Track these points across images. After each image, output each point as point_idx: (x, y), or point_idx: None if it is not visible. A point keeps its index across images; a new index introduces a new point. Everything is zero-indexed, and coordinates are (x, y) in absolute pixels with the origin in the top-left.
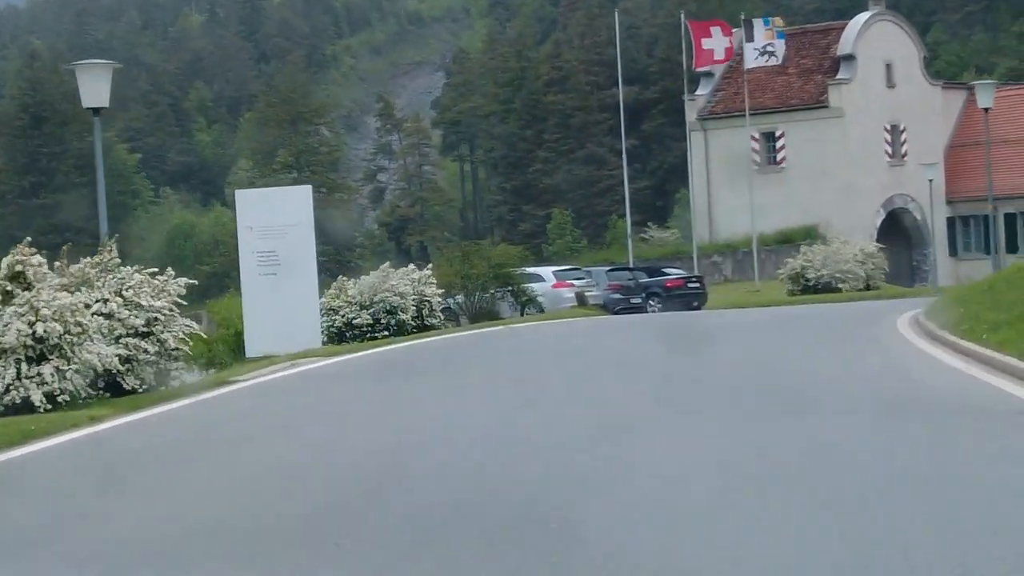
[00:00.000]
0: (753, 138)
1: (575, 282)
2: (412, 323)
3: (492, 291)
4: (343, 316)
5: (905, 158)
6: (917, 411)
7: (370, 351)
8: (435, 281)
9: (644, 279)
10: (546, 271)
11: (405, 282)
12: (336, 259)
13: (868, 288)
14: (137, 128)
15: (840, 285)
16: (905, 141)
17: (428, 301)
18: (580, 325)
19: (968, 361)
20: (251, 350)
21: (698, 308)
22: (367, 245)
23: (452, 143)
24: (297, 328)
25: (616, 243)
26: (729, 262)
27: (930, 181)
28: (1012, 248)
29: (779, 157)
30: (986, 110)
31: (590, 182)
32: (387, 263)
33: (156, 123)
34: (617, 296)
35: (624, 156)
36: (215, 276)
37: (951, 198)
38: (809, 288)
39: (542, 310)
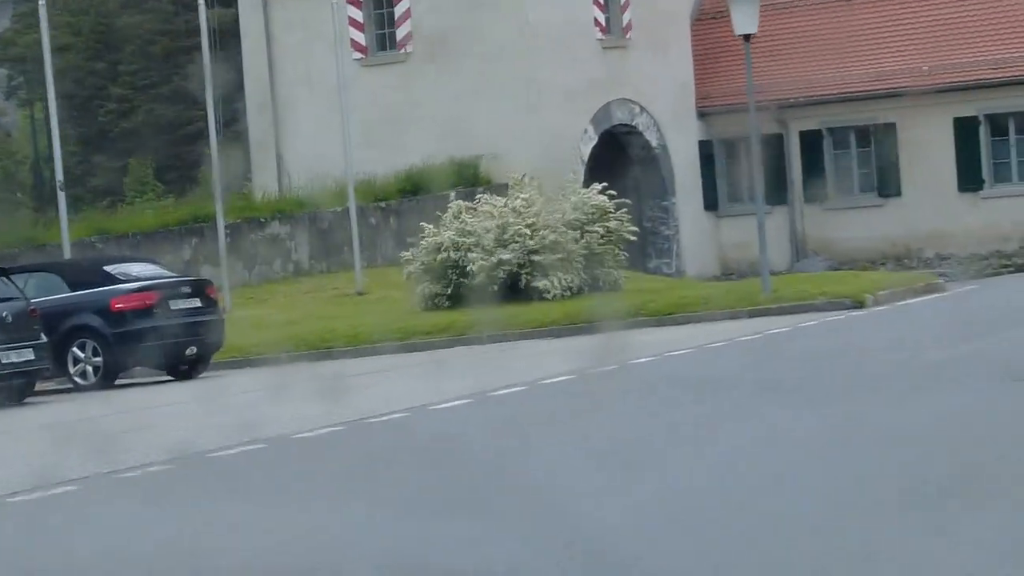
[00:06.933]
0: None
1: None
2: None
3: None
4: None
5: (628, 35)
6: None
7: None
8: None
9: (61, 296)
10: None
11: None
12: None
13: (599, 286)
14: None
15: (541, 283)
16: (627, 5)
17: None
18: None
19: None
20: None
21: (197, 363)
22: None
23: (21, 85)
24: None
25: (207, 200)
26: (305, 235)
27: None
28: (815, 194)
29: (399, 36)
30: None
31: (176, 124)
32: None
33: None
34: None
35: None
36: None
37: (704, 107)
38: (468, 291)
39: None
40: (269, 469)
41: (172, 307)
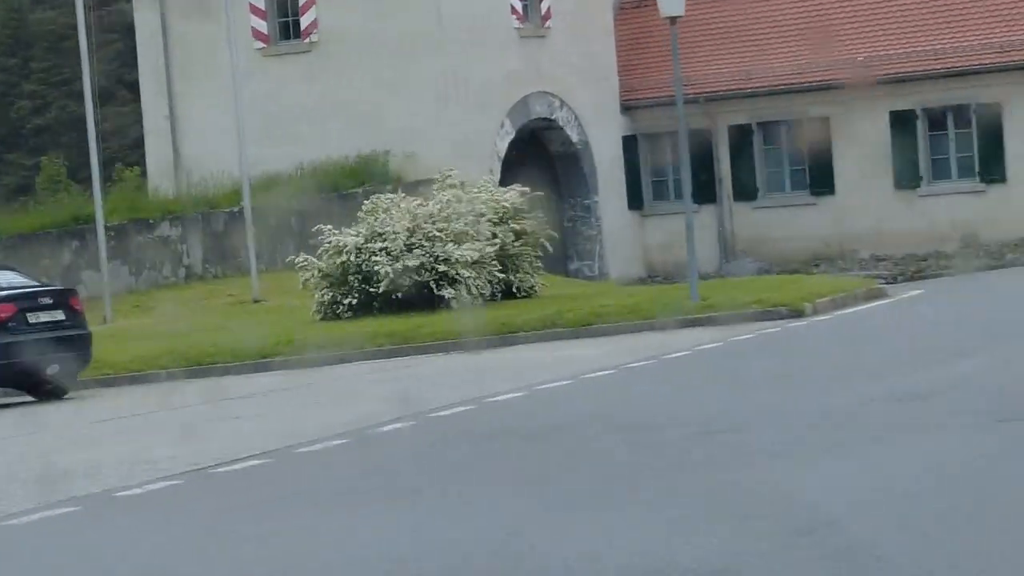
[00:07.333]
0: None
1: None
2: None
3: None
4: None
5: (547, 24)
6: None
7: None
8: None
9: None
10: None
11: None
12: None
13: (513, 292)
14: None
15: (447, 291)
16: None
17: None
18: None
19: None
20: None
21: (61, 383)
22: None
23: None
24: None
25: (127, 201)
26: (198, 237)
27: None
28: (745, 191)
29: (303, 24)
30: None
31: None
32: None
33: None
34: None
35: None
36: None
37: (628, 101)
38: (372, 298)
39: None
40: (66, 542)
41: (31, 320)
